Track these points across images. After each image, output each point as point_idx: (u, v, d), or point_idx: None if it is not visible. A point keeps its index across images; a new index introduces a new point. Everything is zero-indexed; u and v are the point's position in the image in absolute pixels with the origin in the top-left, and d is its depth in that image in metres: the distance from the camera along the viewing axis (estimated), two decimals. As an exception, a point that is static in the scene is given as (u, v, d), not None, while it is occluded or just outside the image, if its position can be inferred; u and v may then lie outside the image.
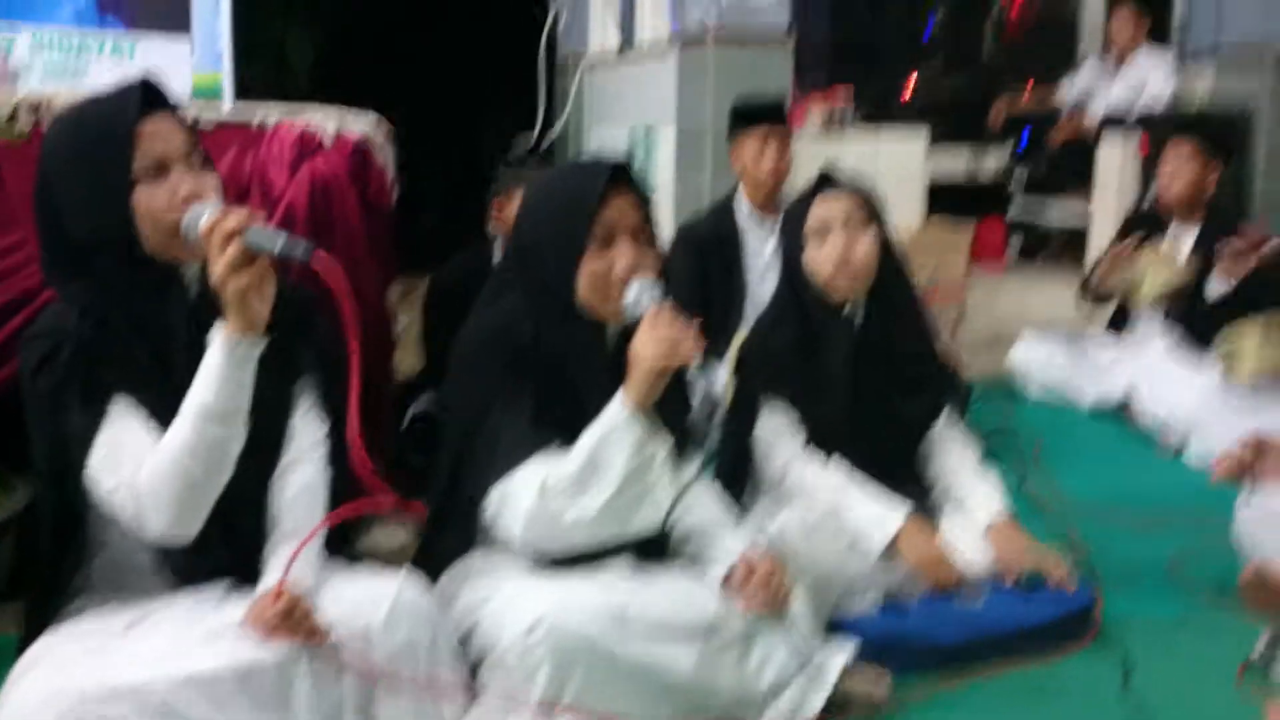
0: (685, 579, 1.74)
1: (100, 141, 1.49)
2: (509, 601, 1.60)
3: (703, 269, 3.47)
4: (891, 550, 2.05)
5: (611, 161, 1.71)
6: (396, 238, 2.39)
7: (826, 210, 2.15)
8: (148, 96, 1.53)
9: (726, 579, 1.72)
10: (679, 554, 1.82)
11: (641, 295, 1.62)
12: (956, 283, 4.77)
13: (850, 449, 2.19)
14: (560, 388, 1.69)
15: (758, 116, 3.41)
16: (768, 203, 3.49)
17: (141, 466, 1.45)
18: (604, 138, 5.86)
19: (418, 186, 2.49)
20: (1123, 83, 5.46)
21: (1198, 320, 3.44)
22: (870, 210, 2.18)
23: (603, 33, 6.04)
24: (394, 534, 2.29)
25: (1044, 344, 4.07)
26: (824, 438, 2.19)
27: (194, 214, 1.48)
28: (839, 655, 1.79)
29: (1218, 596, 2.27)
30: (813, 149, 4.86)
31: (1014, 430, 3.53)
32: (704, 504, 1.87)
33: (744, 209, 3.50)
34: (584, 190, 1.68)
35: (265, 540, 1.57)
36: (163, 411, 1.49)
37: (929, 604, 2.00)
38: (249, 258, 1.41)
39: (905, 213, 4.93)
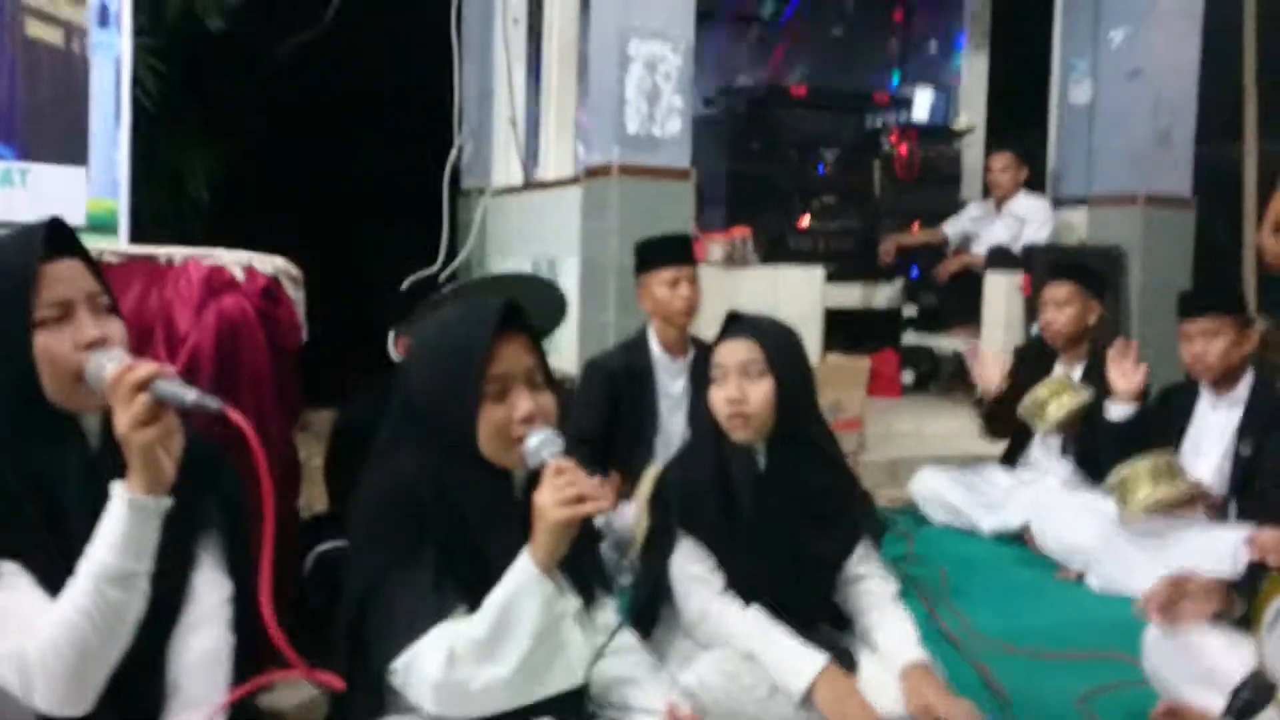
0: (609, 739, 1.68)
1: (1, 283, 1.43)
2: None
3: (613, 401, 3.46)
4: (809, 699, 2.02)
5: (497, 306, 1.67)
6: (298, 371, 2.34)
7: (724, 355, 2.17)
8: (54, 238, 1.48)
9: (651, 736, 1.67)
10: (600, 707, 1.76)
11: (541, 447, 1.59)
12: (856, 413, 4.86)
13: (764, 589, 2.17)
14: (466, 543, 1.64)
15: (668, 256, 3.46)
16: (678, 339, 3.52)
17: (30, 634, 1.35)
18: (506, 269, 5.89)
19: (317, 318, 2.46)
20: (1003, 223, 5.74)
21: (1098, 448, 3.53)
22: (771, 355, 2.17)
23: (506, 166, 6.13)
24: (296, 690, 2.18)
25: (941, 474, 4.15)
26: (738, 577, 2.17)
27: (98, 362, 1.42)
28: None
29: (1130, 735, 2.29)
30: (714, 284, 4.97)
31: (920, 558, 3.57)
32: (624, 654, 1.82)
33: (655, 345, 3.52)
34: (472, 341, 1.65)
35: (161, 711, 1.47)
36: (53, 573, 1.40)
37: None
38: (157, 411, 1.36)
39: (805, 345, 5.01)
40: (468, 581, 1.59)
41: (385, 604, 1.58)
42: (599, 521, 1.70)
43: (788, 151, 6.00)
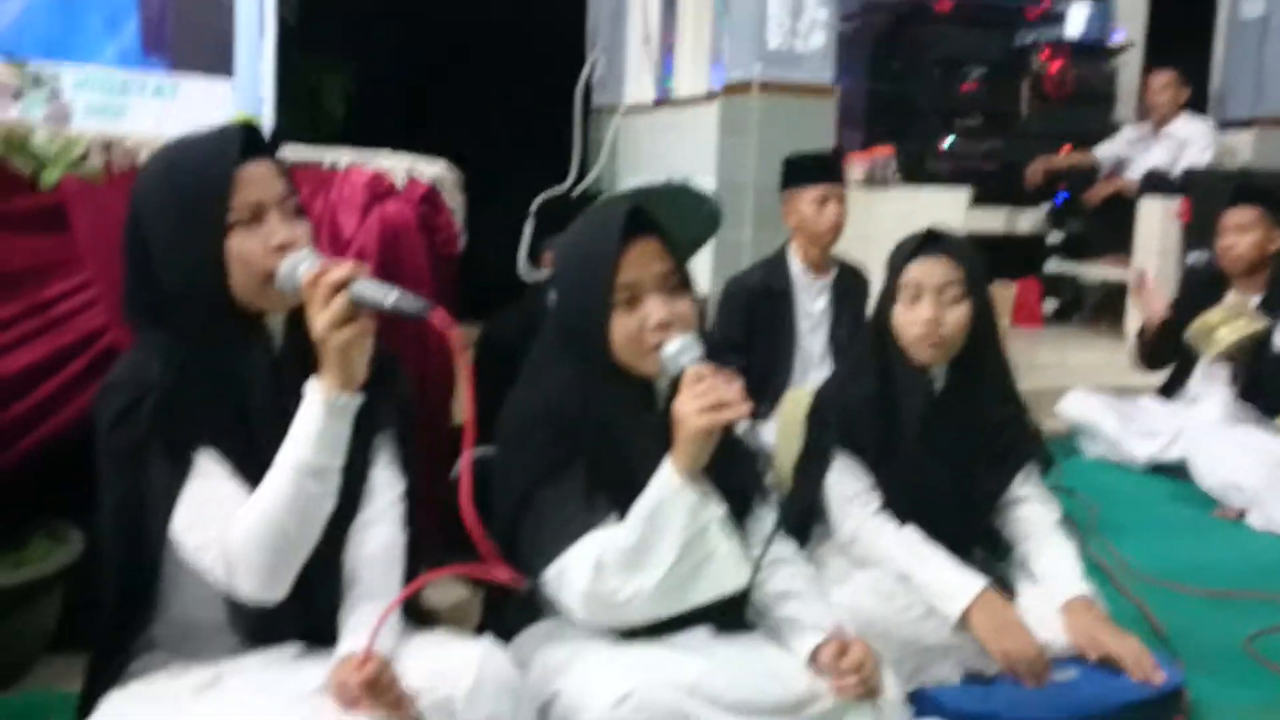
0: (771, 651, 1.66)
1: (198, 185, 1.44)
2: (593, 672, 1.53)
3: (751, 318, 3.42)
4: (964, 622, 1.97)
5: (623, 211, 1.62)
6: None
7: (924, 273, 2.09)
8: (248, 141, 1.48)
9: (814, 654, 1.64)
10: (760, 621, 1.74)
11: (680, 354, 1.55)
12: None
13: (924, 512, 2.12)
14: (613, 456, 1.63)
15: (817, 173, 3.38)
16: (821, 259, 3.44)
17: (231, 523, 1.39)
18: (655, 181, 5.83)
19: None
20: (1161, 147, 5.45)
21: (1264, 382, 3.36)
22: (970, 278, 2.10)
23: (639, 83, 6.05)
24: (449, 590, 2.22)
25: (1094, 398, 4.00)
26: (898, 499, 2.12)
27: (292, 263, 1.43)
28: (929, 736, 1.71)
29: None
30: (853, 204, 4.84)
31: (1071, 490, 3.46)
32: (784, 566, 1.79)
33: (796, 264, 3.45)
34: (599, 249, 1.62)
35: (339, 601, 1.50)
36: (246, 467, 1.43)
37: (1013, 680, 1.91)
38: (354, 311, 1.37)
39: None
40: (616, 493, 1.59)
41: (536, 516, 1.59)
42: (743, 434, 1.64)
43: (931, 70, 5.78)
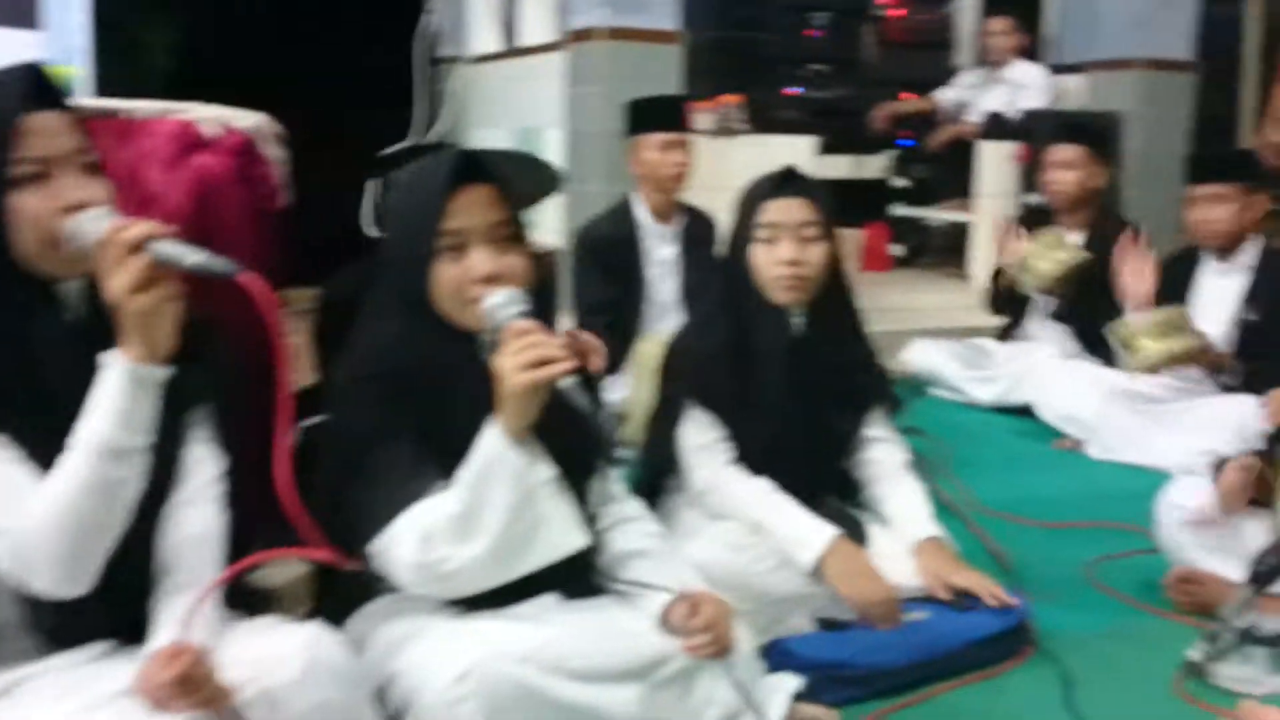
0: (620, 613, 1.61)
1: None
2: (432, 649, 1.45)
3: (605, 272, 3.35)
4: (818, 571, 1.96)
5: (454, 156, 1.54)
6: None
7: (782, 213, 2.05)
8: (35, 88, 1.33)
9: (665, 614, 1.59)
10: (610, 581, 1.68)
11: (500, 308, 1.46)
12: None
13: (778, 460, 2.10)
14: (444, 412, 1.54)
15: (660, 119, 3.31)
16: (667, 206, 3.40)
17: (24, 512, 1.26)
18: (486, 141, 5.69)
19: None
20: (999, 91, 5.56)
21: (1094, 317, 3.46)
22: (827, 217, 2.08)
23: (484, 32, 5.88)
24: (281, 570, 2.10)
25: (936, 347, 4.08)
26: (752, 448, 2.09)
27: (83, 221, 1.29)
28: (784, 690, 1.69)
29: (1143, 602, 2.25)
30: (702, 153, 4.81)
31: (921, 429, 3.52)
32: (632, 525, 1.74)
33: (642, 211, 3.40)
34: (427, 195, 1.53)
35: (151, 593, 1.38)
36: (42, 450, 1.29)
37: (866, 625, 1.91)
38: (155, 273, 1.25)
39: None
40: (445, 456, 1.49)
41: (364, 483, 1.49)
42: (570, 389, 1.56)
43: (778, 17, 5.76)
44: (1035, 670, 1.96)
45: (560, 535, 1.50)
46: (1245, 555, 1.99)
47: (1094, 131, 3.89)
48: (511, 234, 1.57)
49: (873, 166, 6.04)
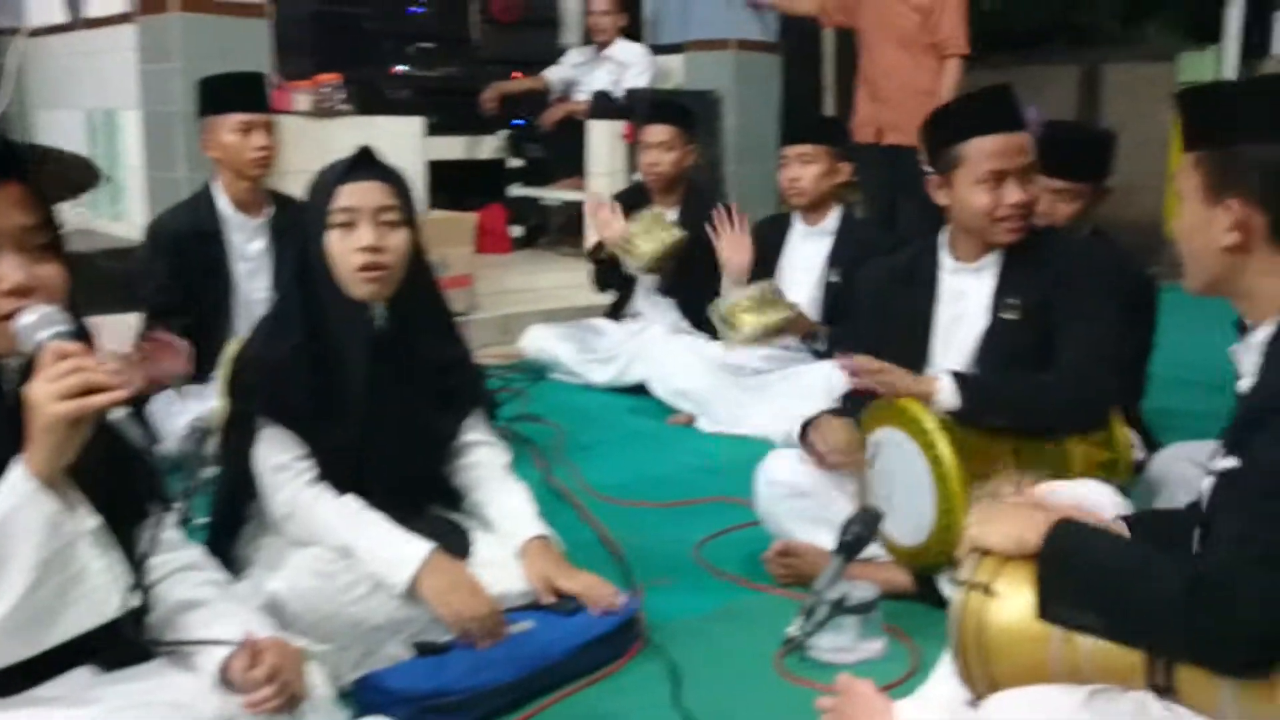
0: (174, 679, 1.38)
1: None
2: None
3: (182, 266, 3.02)
4: (414, 591, 1.82)
5: None
6: None
7: (359, 197, 1.86)
8: None
9: (224, 669, 1.39)
10: (161, 640, 1.45)
11: (37, 326, 1.23)
12: (465, 269, 4.65)
13: (369, 472, 1.93)
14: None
15: (237, 99, 3.02)
16: (251, 194, 3.11)
17: None
18: (55, 124, 5.07)
19: None
20: (605, 70, 5.63)
21: (697, 291, 3.54)
22: (406, 202, 1.92)
23: (46, 2, 5.20)
24: None
25: (550, 330, 4.06)
26: (337, 462, 1.91)
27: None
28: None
29: (749, 578, 2.29)
30: (302, 136, 4.51)
31: (536, 416, 3.47)
32: (188, 573, 1.51)
33: (224, 201, 3.09)
34: None
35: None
36: None
37: (468, 645, 1.79)
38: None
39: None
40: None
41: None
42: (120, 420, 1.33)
43: (377, -1, 5.52)
44: (645, 665, 1.93)
45: (101, 597, 1.26)
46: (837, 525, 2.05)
47: (682, 110, 3.97)
48: (47, 241, 1.31)
49: (488, 147, 5.95)
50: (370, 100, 5.33)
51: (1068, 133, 2.93)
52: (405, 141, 4.79)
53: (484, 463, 2.08)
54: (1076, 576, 1.33)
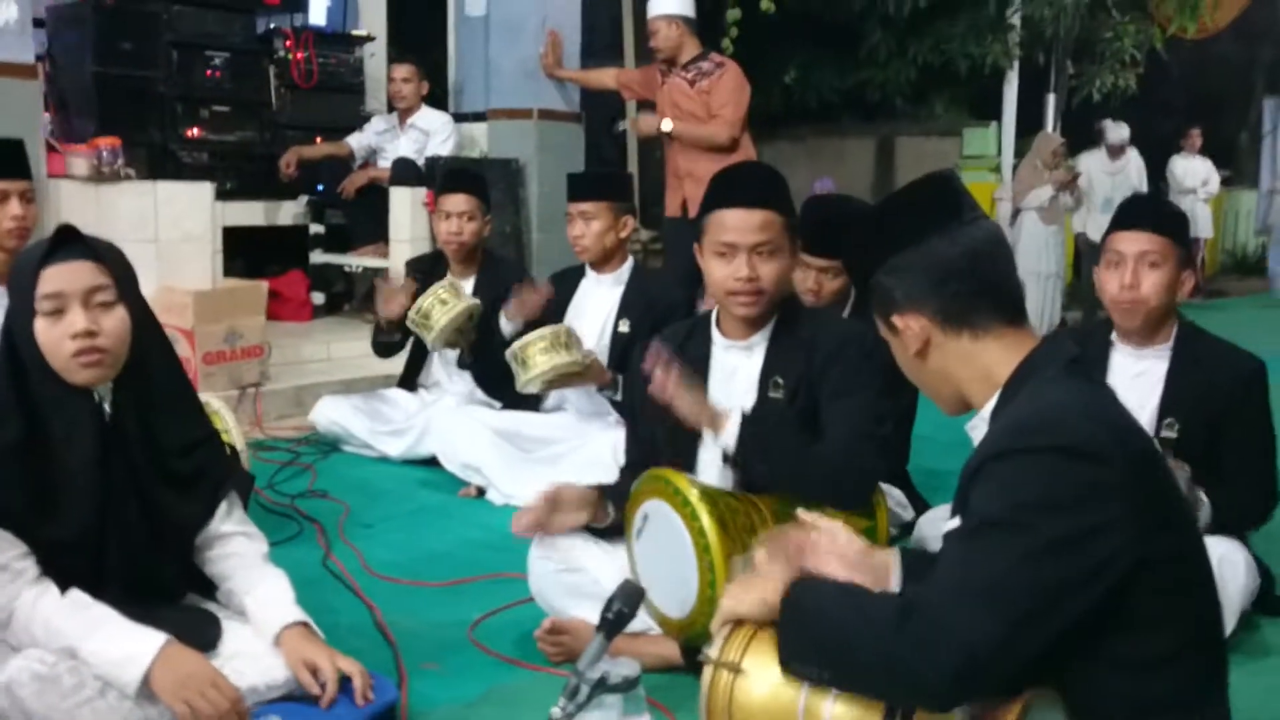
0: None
1: None
2: None
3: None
4: (148, 688, 1.71)
5: None
6: None
7: (63, 280, 1.76)
8: None
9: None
10: None
11: None
12: (257, 340, 4.50)
13: (108, 563, 1.83)
14: None
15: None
16: (7, 267, 2.93)
17: None
18: None
19: None
20: (408, 137, 5.61)
21: (493, 360, 3.51)
22: (121, 280, 1.83)
23: None
24: None
25: (343, 402, 3.97)
26: (69, 555, 1.80)
27: None
28: None
29: (521, 658, 2.26)
30: (80, 201, 4.31)
31: (323, 492, 3.37)
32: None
33: (-23, 276, 2.91)
34: None
35: None
36: None
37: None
38: None
39: (196, 271, 4.56)
40: None
41: None
42: None
43: (168, 52, 5.34)
44: (403, 755, 1.87)
45: None
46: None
47: (480, 181, 3.97)
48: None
49: (288, 213, 5.82)
50: (160, 164, 5.15)
51: (828, 211, 3.05)
52: (194, 207, 4.64)
53: (239, 552, 1.99)
54: (807, 627, 1.37)
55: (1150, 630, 1.25)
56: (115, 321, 1.79)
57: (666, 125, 4.72)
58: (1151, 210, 2.55)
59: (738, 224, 2.17)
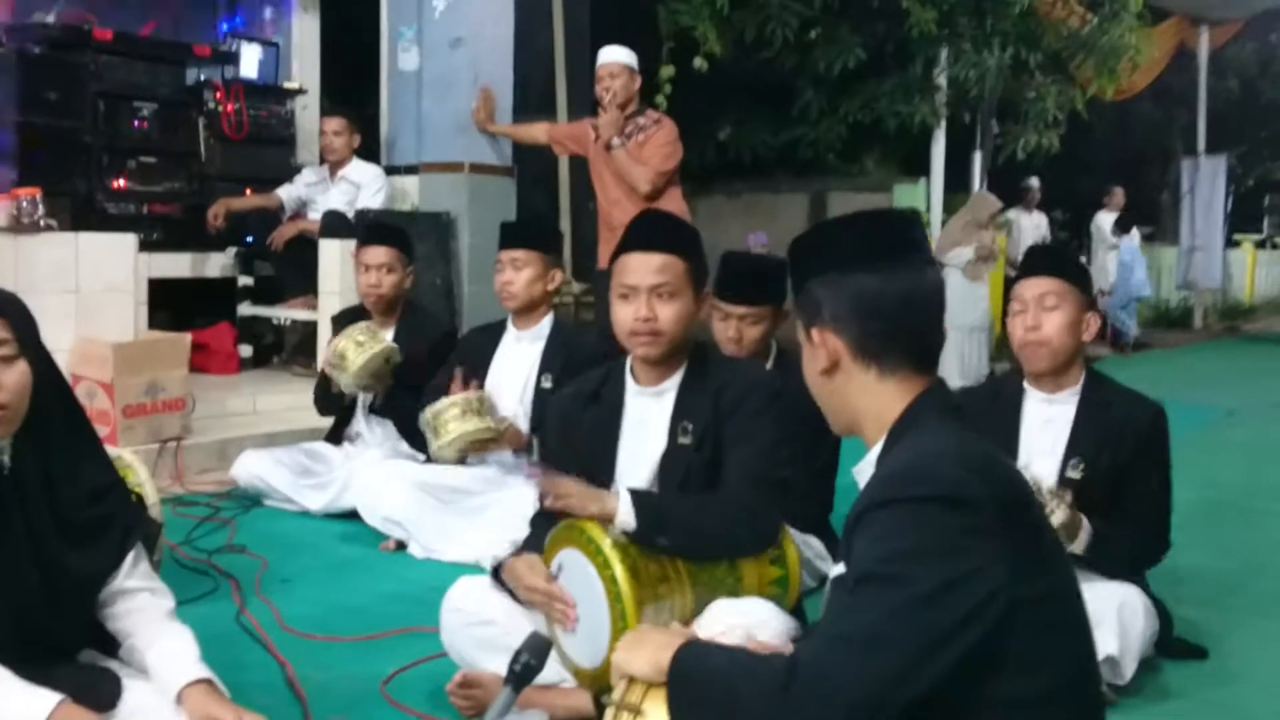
0: None
1: None
2: None
3: None
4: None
5: None
6: None
7: None
8: None
9: None
10: None
11: None
12: (179, 393, 4.43)
13: (7, 618, 1.78)
14: None
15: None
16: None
17: None
18: None
19: None
20: (338, 189, 5.60)
21: (408, 409, 3.49)
22: (22, 333, 1.79)
23: None
24: None
25: (265, 456, 3.91)
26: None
27: None
28: None
29: (433, 714, 2.23)
30: (-2, 253, 4.24)
31: (241, 546, 3.32)
32: None
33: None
34: None
35: None
36: None
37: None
38: None
39: (118, 322, 4.49)
40: None
41: None
42: None
43: (94, 103, 5.30)
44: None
45: None
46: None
47: (401, 234, 3.97)
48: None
49: (216, 264, 5.77)
50: (85, 215, 5.09)
51: (742, 263, 3.09)
52: (116, 258, 4.58)
53: (143, 608, 1.95)
54: (696, 690, 1.37)
55: (1029, 671, 1.27)
56: (16, 376, 1.76)
57: (615, 142, 4.75)
58: (1048, 256, 2.68)
59: (637, 266, 2.20)
